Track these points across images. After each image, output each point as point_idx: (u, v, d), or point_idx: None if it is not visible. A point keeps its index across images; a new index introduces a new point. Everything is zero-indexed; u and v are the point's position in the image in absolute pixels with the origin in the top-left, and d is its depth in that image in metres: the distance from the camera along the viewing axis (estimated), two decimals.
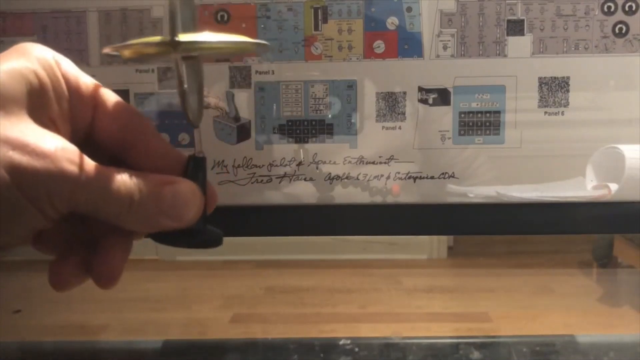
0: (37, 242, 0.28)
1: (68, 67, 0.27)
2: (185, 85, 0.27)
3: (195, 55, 0.29)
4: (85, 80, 0.28)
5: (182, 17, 0.27)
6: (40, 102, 0.26)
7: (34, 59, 0.26)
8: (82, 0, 0.39)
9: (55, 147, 0.24)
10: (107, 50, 0.28)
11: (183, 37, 0.25)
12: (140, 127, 0.29)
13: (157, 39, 0.26)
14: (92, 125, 0.28)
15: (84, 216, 0.27)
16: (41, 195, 0.24)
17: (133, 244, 0.29)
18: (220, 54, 0.31)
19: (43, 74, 0.26)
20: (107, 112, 0.28)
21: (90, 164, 0.25)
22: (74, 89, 0.27)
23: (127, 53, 0.28)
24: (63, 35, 0.39)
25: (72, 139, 0.26)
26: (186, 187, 0.28)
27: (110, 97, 0.29)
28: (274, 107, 0.39)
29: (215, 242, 0.30)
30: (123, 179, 0.26)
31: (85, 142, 0.27)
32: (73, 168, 0.24)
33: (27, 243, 0.29)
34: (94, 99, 0.28)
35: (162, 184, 0.27)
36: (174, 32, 0.25)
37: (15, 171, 0.23)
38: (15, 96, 0.25)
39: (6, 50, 0.27)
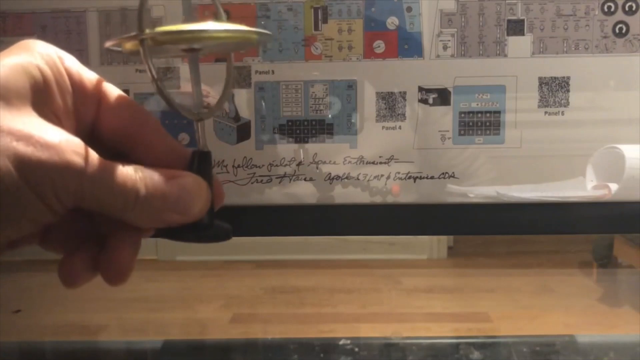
0: (44, 240, 0.28)
1: (71, 63, 0.27)
2: (156, 77, 0.27)
3: (197, 49, 0.29)
4: (88, 76, 0.28)
5: (184, 11, 0.27)
6: (43, 97, 0.26)
7: (37, 54, 0.26)
8: (82, 0, 0.39)
9: (60, 139, 0.24)
10: (108, 44, 0.29)
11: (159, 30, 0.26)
12: (144, 122, 0.29)
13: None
14: (96, 121, 0.28)
15: (91, 213, 0.27)
16: (46, 187, 0.23)
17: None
18: (218, 45, 0.31)
19: (46, 69, 0.26)
20: (111, 108, 0.28)
21: (95, 157, 0.25)
22: (77, 85, 0.27)
23: (115, 47, 0.29)
24: (63, 35, 0.39)
25: (77, 135, 0.26)
26: (192, 181, 0.27)
27: (114, 92, 0.29)
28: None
29: (224, 236, 0.30)
30: (128, 173, 0.25)
31: (89, 138, 0.27)
32: (78, 160, 0.24)
33: (35, 242, 0.28)
34: (98, 95, 0.28)
35: (168, 178, 0.27)
36: (140, 26, 0.26)
37: (20, 162, 0.23)
38: (18, 90, 0.24)
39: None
